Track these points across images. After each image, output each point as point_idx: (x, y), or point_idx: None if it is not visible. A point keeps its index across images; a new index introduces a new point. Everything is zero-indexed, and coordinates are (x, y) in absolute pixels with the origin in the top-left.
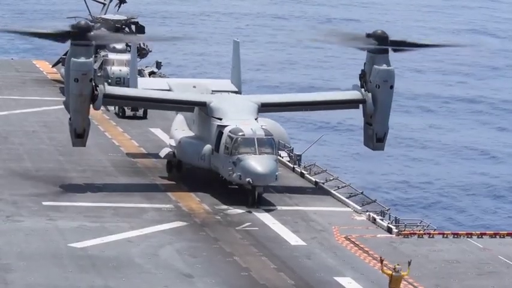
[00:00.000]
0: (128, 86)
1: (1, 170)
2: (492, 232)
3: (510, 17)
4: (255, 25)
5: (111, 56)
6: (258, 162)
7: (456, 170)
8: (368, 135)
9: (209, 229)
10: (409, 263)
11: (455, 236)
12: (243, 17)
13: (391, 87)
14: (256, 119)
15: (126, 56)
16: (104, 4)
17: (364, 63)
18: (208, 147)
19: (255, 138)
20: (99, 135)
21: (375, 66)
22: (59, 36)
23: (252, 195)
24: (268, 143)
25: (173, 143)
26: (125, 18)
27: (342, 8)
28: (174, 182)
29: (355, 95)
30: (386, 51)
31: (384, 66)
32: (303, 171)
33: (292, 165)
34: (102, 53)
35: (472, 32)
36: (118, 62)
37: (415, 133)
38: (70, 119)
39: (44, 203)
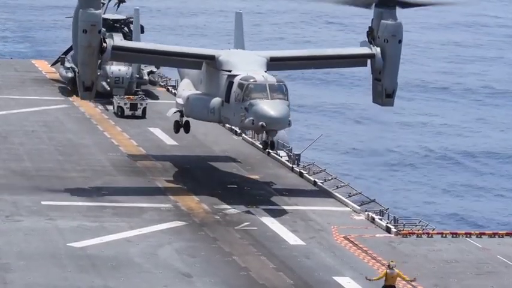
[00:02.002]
0: (128, 86)
1: (1, 170)
2: (491, 232)
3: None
4: (254, 20)
5: None
6: (270, 107)
7: (456, 168)
8: (377, 92)
9: (208, 229)
10: (413, 280)
11: (454, 235)
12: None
13: (400, 41)
14: (266, 72)
15: None
16: (103, 4)
17: (372, 20)
18: (217, 99)
19: (267, 84)
20: (98, 134)
21: (383, 21)
22: None
23: (264, 143)
24: (280, 89)
25: (180, 102)
26: (124, 17)
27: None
28: (173, 182)
29: (363, 50)
30: (394, 6)
31: (392, 21)
32: (301, 170)
33: (291, 165)
34: None
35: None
36: (117, 61)
37: (414, 127)
38: (78, 72)
39: (44, 203)
